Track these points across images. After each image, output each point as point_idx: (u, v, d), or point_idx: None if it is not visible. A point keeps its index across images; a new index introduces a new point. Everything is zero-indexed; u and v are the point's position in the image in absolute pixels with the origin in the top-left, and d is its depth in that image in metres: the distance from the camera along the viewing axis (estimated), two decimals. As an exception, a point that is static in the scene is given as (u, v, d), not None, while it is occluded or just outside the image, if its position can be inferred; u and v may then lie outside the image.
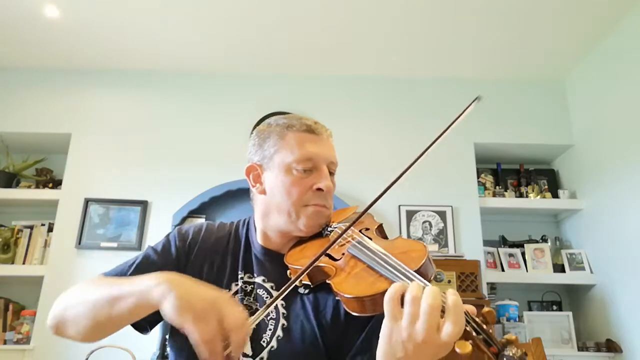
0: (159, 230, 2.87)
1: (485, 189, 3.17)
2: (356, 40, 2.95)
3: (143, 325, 0.91)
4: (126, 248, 2.84)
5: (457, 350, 0.60)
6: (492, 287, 2.93)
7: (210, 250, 0.99)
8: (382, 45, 3.00)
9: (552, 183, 3.27)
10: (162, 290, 0.67)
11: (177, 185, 2.96)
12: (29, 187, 3.06)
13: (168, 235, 1.02)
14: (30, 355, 2.62)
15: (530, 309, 3.04)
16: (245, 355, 0.87)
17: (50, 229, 2.95)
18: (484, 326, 0.61)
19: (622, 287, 2.65)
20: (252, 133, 1.04)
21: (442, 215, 2.97)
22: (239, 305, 0.67)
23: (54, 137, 3.11)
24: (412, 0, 2.60)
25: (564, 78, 3.27)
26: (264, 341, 0.88)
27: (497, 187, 3.22)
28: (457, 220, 2.98)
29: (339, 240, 0.85)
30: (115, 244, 2.85)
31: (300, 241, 0.97)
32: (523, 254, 3.05)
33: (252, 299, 0.93)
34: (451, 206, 2.98)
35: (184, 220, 2.89)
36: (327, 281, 0.83)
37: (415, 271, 0.71)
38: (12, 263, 2.87)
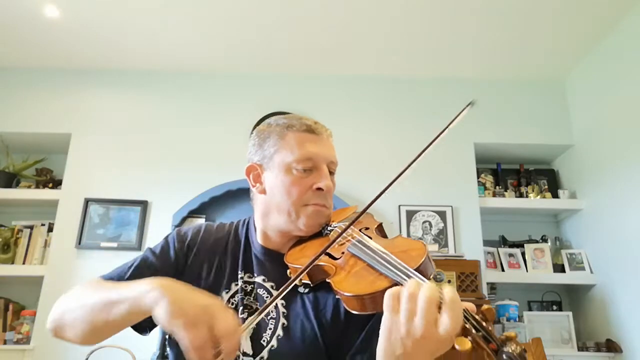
0: (159, 230, 2.87)
1: (485, 189, 3.17)
2: (356, 40, 2.95)
3: (143, 327, 0.91)
4: (126, 248, 2.83)
5: (457, 347, 0.60)
6: (492, 287, 2.93)
7: (209, 251, 0.99)
8: (382, 45, 3.00)
9: (552, 183, 3.27)
10: (154, 295, 0.68)
11: (177, 185, 2.96)
12: (29, 187, 3.06)
13: (167, 237, 1.02)
14: (30, 355, 2.62)
15: (530, 309, 3.04)
16: (245, 354, 0.87)
17: (50, 229, 2.95)
18: (484, 323, 0.61)
19: (622, 287, 2.65)
20: (252, 133, 1.05)
21: (442, 215, 2.97)
22: (231, 313, 0.67)
23: (54, 137, 3.11)
24: (412, 0, 2.60)
25: (564, 78, 3.27)
26: (264, 340, 0.88)
27: (497, 187, 3.22)
28: (457, 220, 2.98)
29: (338, 240, 0.85)
30: (115, 244, 2.85)
31: (300, 241, 0.97)
32: (523, 254, 3.05)
33: (252, 298, 0.94)
34: (451, 206, 2.98)
35: (184, 220, 2.89)
36: (327, 280, 0.83)
37: (415, 269, 0.71)
38: (12, 263, 2.87)
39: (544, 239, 3.14)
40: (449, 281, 2.53)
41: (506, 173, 3.33)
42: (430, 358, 0.65)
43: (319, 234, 0.96)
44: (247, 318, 0.84)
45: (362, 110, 3.21)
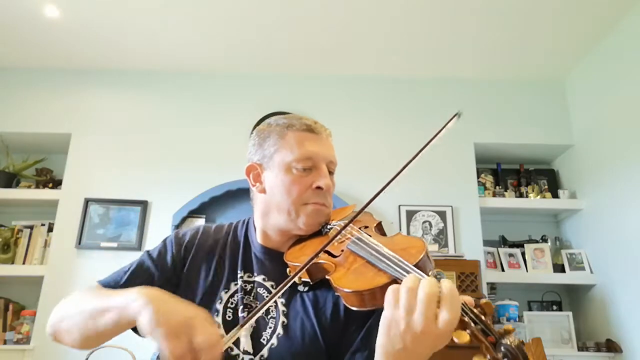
0: (159, 230, 2.87)
1: (485, 189, 3.17)
2: (356, 40, 2.95)
3: None
4: (126, 248, 2.84)
5: (455, 340, 0.60)
6: (492, 287, 2.93)
7: (208, 252, 1.00)
8: (382, 45, 3.00)
9: (552, 183, 3.27)
10: (139, 304, 0.69)
11: (177, 185, 2.96)
12: (29, 187, 3.06)
13: (165, 239, 1.03)
14: (30, 355, 2.62)
15: (530, 309, 3.04)
16: (246, 352, 0.87)
17: (50, 229, 2.95)
18: (482, 317, 0.62)
19: (622, 287, 2.65)
20: (252, 133, 1.05)
21: (442, 215, 2.97)
22: (214, 325, 0.67)
23: (54, 137, 3.11)
24: (412, 0, 2.60)
25: (564, 78, 3.27)
26: (264, 339, 0.89)
27: (497, 187, 3.22)
28: (457, 220, 2.98)
29: (338, 237, 0.85)
30: (115, 244, 2.85)
31: (300, 240, 0.98)
32: (523, 254, 3.05)
33: (252, 297, 0.94)
34: (451, 206, 2.98)
35: (184, 220, 2.89)
36: (327, 277, 0.83)
37: (414, 266, 0.71)
38: (12, 263, 2.87)
39: (544, 239, 3.14)
40: (449, 281, 2.53)
41: (506, 173, 3.33)
42: (429, 352, 0.65)
43: (318, 233, 0.97)
44: (246, 317, 0.85)
45: (362, 110, 3.21)
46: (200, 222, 2.93)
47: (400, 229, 2.91)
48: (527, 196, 3.14)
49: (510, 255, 3.04)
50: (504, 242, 3.17)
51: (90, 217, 2.89)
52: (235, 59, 3.15)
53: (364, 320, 0.88)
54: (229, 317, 0.91)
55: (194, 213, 2.90)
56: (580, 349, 2.72)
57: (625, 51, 2.71)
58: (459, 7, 2.64)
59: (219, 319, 0.91)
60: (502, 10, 2.65)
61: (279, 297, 0.92)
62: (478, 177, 3.14)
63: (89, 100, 3.17)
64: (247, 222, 1.07)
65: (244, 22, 2.79)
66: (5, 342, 2.68)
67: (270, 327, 0.90)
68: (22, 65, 3.20)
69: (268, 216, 0.98)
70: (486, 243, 2.99)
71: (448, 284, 0.62)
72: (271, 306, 0.91)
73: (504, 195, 3.14)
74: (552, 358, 2.61)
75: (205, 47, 3.03)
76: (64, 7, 2.67)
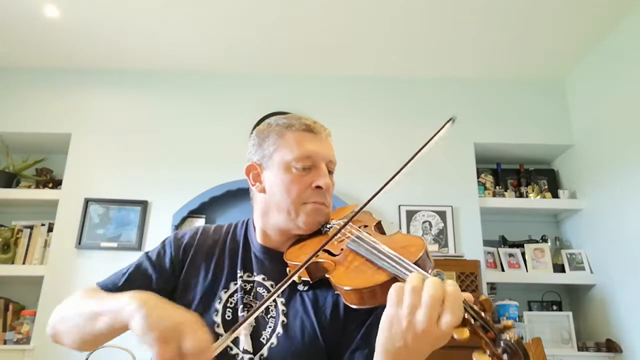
0: (159, 230, 2.87)
1: (485, 189, 3.17)
2: (356, 40, 2.95)
3: None
4: (126, 248, 2.84)
5: (455, 336, 0.60)
6: (492, 287, 2.93)
7: (207, 252, 1.00)
8: (382, 45, 3.00)
9: (552, 183, 3.27)
10: (132, 309, 0.69)
11: (177, 185, 2.96)
12: (29, 187, 3.06)
13: (164, 241, 1.03)
14: (30, 355, 2.62)
15: (530, 309, 3.04)
16: (245, 351, 0.87)
17: (50, 229, 2.95)
18: (482, 313, 0.62)
19: (622, 287, 2.65)
20: (251, 133, 1.05)
21: (442, 215, 2.97)
22: (204, 331, 0.67)
23: (54, 137, 3.11)
24: (412, 0, 2.60)
25: (564, 78, 3.27)
26: (263, 338, 0.89)
27: (497, 187, 3.22)
28: (457, 220, 2.98)
29: (337, 236, 0.86)
30: (115, 244, 2.85)
31: (300, 239, 0.98)
32: (523, 254, 3.05)
33: (251, 297, 0.94)
34: (451, 206, 2.98)
35: (184, 220, 2.89)
36: (326, 275, 0.83)
37: (414, 264, 0.72)
38: (12, 263, 2.87)
39: (544, 239, 3.14)
40: (449, 281, 2.53)
41: (506, 173, 3.33)
42: (429, 350, 0.66)
43: (318, 232, 0.97)
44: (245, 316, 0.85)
45: (362, 110, 3.21)
46: (200, 222, 2.93)
47: (400, 229, 2.91)
48: (527, 196, 3.14)
49: (510, 255, 3.04)
50: (504, 242, 3.17)
51: (90, 217, 2.89)
52: (235, 59, 3.15)
53: (364, 319, 0.88)
54: (229, 316, 0.91)
55: (194, 213, 2.90)
56: (580, 349, 2.72)
57: (625, 51, 2.71)
58: (459, 7, 2.64)
59: (219, 319, 0.91)
60: (502, 10, 2.65)
61: (278, 297, 0.92)
62: (478, 177, 3.14)
63: (89, 100, 3.18)
64: (247, 222, 1.07)
65: (244, 22, 2.79)
66: (5, 342, 2.67)
67: (270, 327, 0.90)
68: (22, 65, 3.20)
69: (268, 216, 0.98)
70: (486, 243, 2.99)
71: (452, 286, 0.62)
72: (271, 305, 0.91)
73: (504, 195, 3.14)
74: (552, 358, 2.61)
75: (205, 47, 3.03)
76: (64, 7, 2.67)
